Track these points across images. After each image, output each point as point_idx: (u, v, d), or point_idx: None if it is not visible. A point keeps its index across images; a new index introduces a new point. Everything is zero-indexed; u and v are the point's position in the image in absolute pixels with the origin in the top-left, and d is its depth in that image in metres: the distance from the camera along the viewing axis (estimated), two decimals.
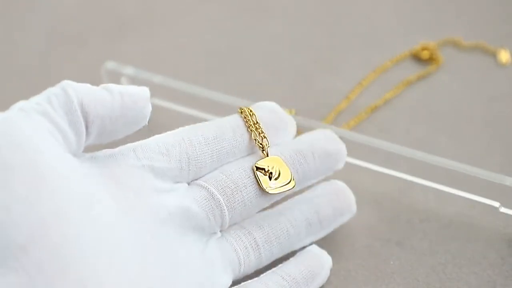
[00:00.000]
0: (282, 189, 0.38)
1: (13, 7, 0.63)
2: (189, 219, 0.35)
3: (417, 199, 0.46)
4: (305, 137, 0.41)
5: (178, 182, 0.36)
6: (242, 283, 0.37)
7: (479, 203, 0.44)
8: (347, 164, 0.44)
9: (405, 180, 0.45)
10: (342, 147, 0.41)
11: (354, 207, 0.41)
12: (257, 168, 0.38)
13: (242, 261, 0.37)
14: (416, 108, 0.53)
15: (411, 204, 0.45)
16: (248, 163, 0.38)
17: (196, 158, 0.36)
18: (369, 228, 0.44)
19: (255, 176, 0.37)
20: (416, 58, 0.56)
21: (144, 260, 0.32)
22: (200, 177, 0.37)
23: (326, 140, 0.40)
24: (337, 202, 0.40)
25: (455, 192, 0.44)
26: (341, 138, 0.42)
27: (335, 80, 0.55)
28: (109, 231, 0.31)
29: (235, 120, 0.39)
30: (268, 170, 0.38)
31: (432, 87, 0.55)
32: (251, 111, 0.39)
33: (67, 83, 0.33)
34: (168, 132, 0.37)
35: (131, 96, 0.34)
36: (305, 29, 0.60)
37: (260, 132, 0.39)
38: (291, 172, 0.38)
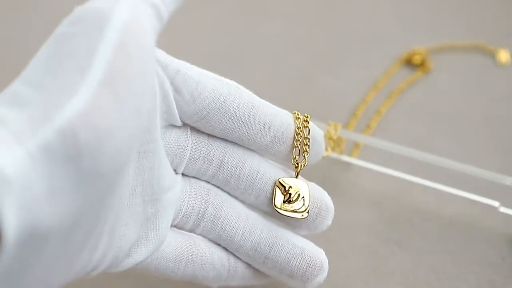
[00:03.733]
0: (290, 214, 0.35)
1: (13, 7, 0.63)
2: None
3: (417, 199, 0.46)
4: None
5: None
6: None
7: (479, 203, 0.44)
8: (348, 164, 0.44)
9: (405, 180, 0.45)
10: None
11: (312, 285, 0.37)
12: (280, 183, 0.35)
13: (181, 214, 0.35)
14: (416, 108, 0.53)
15: (411, 204, 0.45)
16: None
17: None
18: (369, 228, 0.44)
19: (273, 189, 0.35)
20: (408, 63, 0.55)
21: None
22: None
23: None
24: (298, 263, 0.36)
25: (455, 192, 0.45)
26: (341, 138, 0.42)
27: (335, 80, 0.55)
28: None
29: (287, 120, 0.35)
30: (288, 191, 0.35)
31: (432, 87, 0.55)
32: (307, 120, 0.35)
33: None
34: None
35: None
36: (305, 30, 0.61)
37: (305, 149, 0.35)
38: (309, 204, 0.35)
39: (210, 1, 0.64)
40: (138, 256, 0.33)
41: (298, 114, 0.35)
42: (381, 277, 0.41)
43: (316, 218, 0.36)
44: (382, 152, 0.45)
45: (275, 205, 0.35)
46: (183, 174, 0.35)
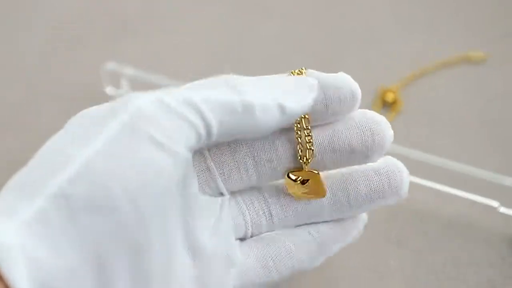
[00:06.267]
0: (308, 197, 0.34)
1: (14, 8, 0.63)
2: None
3: (417, 199, 0.46)
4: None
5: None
6: (265, 234, 0.35)
7: (479, 203, 0.44)
8: None
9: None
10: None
11: (403, 190, 0.34)
12: (289, 178, 0.33)
13: (250, 225, 0.34)
14: (416, 109, 0.53)
15: (411, 204, 0.46)
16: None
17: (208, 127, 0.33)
18: (369, 228, 0.44)
19: (285, 183, 0.34)
20: (383, 100, 0.54)
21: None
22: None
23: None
24: (377, 182, 0.34)
25: (454, 192, 0.45)
26: None
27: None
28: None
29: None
30: (299, 181, 0.33)
31: (431, 88, 0.55)
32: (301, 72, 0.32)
33: (251, 105, 0.29)
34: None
35: (296, 117, 0.31)
36: (305, 29, 0.61)
37: (308, 141, 0.32)
38: (325, 188, 0.34)
39: (210, 1, 0.64)
40: None
41: (294, 72, 0.32)
42: (381, 277, 0.41)
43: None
44: None
45: (292, 192, 0.34)
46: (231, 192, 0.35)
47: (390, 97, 0.53)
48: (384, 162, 0.34)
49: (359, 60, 0.57)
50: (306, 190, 0.34)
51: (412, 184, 0.46)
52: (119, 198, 0.26)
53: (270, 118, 0.29)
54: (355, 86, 0.32)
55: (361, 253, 0.43)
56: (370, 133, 0.33)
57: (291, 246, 0.34)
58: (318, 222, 0.35)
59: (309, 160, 0.33)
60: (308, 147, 0.32)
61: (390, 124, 0.34)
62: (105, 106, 0.29)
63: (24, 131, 0.52)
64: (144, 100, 0.28)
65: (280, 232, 0.35)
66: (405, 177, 0.34)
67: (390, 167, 0.34)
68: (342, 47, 0.58)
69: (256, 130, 0.29)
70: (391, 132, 0.33)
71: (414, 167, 0.45)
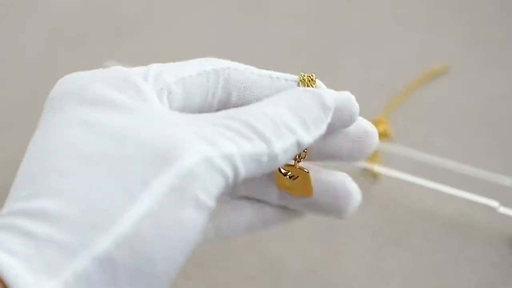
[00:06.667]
0: (294, 193, 0.34)
1: (14, 8, 0.63)
2: None
3: (417, 199, 0.46)
4: None
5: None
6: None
7: (478, 203, 0.44)
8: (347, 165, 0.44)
9: (405, 180, 0.45)
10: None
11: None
12: (279, 171, 0.33)
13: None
14: (415, 109, 0.53)
15: (411, 204, 0.46)
16: None
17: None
18: (369, 228, 0.44)
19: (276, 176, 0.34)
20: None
21: None
22: None
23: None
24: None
25: (454, 192, 0.45)
26: None
27: (334, 80, 0.55)
28: None
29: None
30: (287, 177, 0.33)
31: (431, 88, 0.55)
32: (312, 80, 0.32)
33: (275, 155, 0.29)
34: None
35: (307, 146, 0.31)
36: (305, 29, 0.61)
37: None
38: (312, 187, 0.34)
39: (210, 1, 0.64)
40: None
41: (304, 76, 0.32)
42: (381, 277, 0.41)
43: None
44: (382, 153, 0.45)
45: (280, 185, 0.34)
46: None
47: (381, 128, 0.52)
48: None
49: (360, 61, 0.57)
50: (293, 186, 0.34)
51: (412, 184, 0.46)
52: (162, 269, 0.26)
53: (289, 157, 0.29)
54: (356, 109, 0.32)
55: (361, 253, 0.43)
56: (358, 144, 0.33)
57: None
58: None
59: (301, 159, 0.33)
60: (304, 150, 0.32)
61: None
62: (144, 146, 0.27)
63: (24, 131, 0.52)
64: (194, 160, 0.26)
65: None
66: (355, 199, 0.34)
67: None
68: (344, 48, 0.58)
69: (273, 170, 0.30)
70: (377, 141, 0.33)
71: (414, 167, 0.45)
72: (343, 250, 0.43)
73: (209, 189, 0.27)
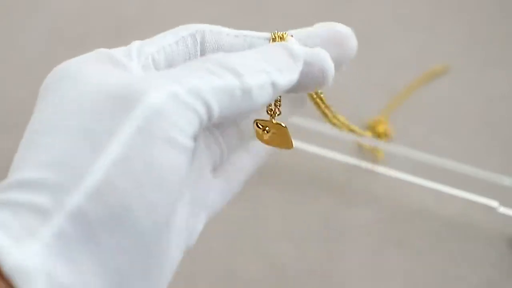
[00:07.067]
0: (274, 145, 0.35)
1: (14, 8, 0.63)
2: None
3: (417, 199, 0.46)
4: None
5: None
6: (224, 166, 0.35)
7: (478, 203, 0.44)
8: (347, 165, 0.44)
9: (405, 181, 0.45)
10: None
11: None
12: (257, 126, 0.34)
13: (225, 152, 0.35)
14: (415, 109, 0.53)
15: (411, 204, 0.46)
16: None
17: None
18: (369, 228, 0.44)
19: (253, 129, 0.34)
20: (373, 132, 0.53)
21: None
22: None
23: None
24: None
25: (454, 192, 0.45)
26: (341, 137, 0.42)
27: (334, 80, 0.55)
28: None
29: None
30: (266, 130, 0.34)
31: (431, 88, 0.55)
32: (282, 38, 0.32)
33: (249, 87, 0.29)
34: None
35: (283, 91, 0.31)
36: None
37: (278, 99, 0.33)
38: (292, 145, 0.34)
39: (210, 1, 0.64)
40: None
41: (275, 34, 0.32)
42: (381, 277, 0.41)
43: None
44: (382, 153, 0.45)
45: (259, 139, 0.35)
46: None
47: (381, 128, 0.52)
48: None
49: (360, 61, 0.57)
50: (272, 140, 0.34)
51: (412, 184, 0.46)
52: (138, 213, 0.26)
53: (264, 96, 0.29)
54: (328, 65, 0.32)
55: (361, 253, 0.43)
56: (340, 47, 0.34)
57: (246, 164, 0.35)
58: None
59: (276, 115, 0.33)
60: (277, 105, 0.33)
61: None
62: (110, 99, 0.27)
63: (24, 131, 0.52)
64: (158, 97, 0.26)
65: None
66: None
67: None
68: None
69: (251, 109, 0.30)
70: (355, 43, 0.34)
71: (414, 167, 0.45)
72: (343, 250, 0.43)
73: (181, 127, 0.27)
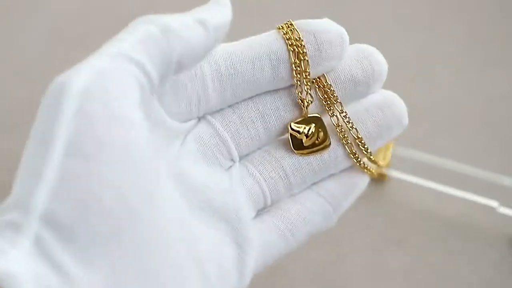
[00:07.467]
0: (315, 152, 0.33)
1: (14, 8, 0.63)
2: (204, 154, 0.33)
3: (418, 199, 0.46)
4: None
5: (186, 121, 0.33)
6: (276, 204, 0.34)
7: (478, 203, 0.44)
8: None
9: (405, 180, 0.45)
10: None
11: (405, 119, 0.34)
12: (292, 129, 0.33)
13: (268, 193, 0.33)
14: (416, 109, 0.53)
15: (412, 204, 0.46)
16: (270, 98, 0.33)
17: (207, 99, 0.32)
18: (369, 228, 0.44)
19: (288, 135, 0.33)
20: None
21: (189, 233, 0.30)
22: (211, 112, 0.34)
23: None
24: (382, 116, 0.34)
25: (454, 192, 0.45)
26: None
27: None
28: (174, 208, 0.29)
29: (273, 53, 0.32)
30: (303, 133, 0.33)
31: (431, 88, 0.55)
32: (301, 46, 0.32)
33: (167, 25, 0.29)
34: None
35: (219, 32, 0.31)
36: None
37: (307, 83, 0.32)
38: (329, 136, 0.33)
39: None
40: None
41: (282, 26, 0.32)
42: (381, 277, 0.41)
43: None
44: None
45: (297, 151, 0.33)
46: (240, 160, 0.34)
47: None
48: (381, 96, 0.34)
49: None
50: (311, 142, 0.33)
51: (412, 184, 0.46)
52: (107, 202, 0.25)
53: (195, 35, 0.29)
54: (341, 29, 0.33)
55: (361, 253, 0.43)
56: (368, 62, 0.33)
57: (305, 212, 0.34)
58: (326, 180, 0.34)
59: (309, 102, 0.33)
60: (306, 90, 0.32)
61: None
62: (44, 99, 0.27)
63: (24, 132, 0.52)
64: (82, 79, 0.26)
65: (292, 199, 0.34)
66: (403, 105, 0.34)
67: (389, 99, 0.34)
68: None
69: (191, 52, 0.29)
70: (384, 60, 0.34)
71: (414, 167, 0.45)
72: (344, 251, 0.43)
73: (118, 98, 0.26)
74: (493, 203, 0.44)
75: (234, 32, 0.64)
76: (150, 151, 0.28)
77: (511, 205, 0.44)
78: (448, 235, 0.44)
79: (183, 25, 0.29)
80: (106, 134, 0.26)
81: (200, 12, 0.30)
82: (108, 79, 0.27)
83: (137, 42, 0.28)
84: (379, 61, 0.34)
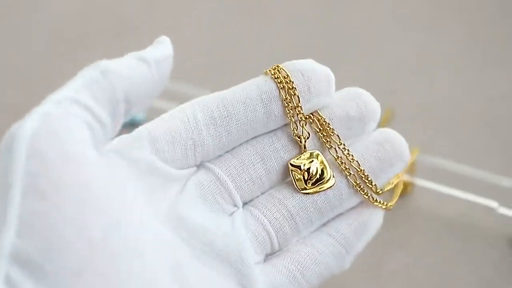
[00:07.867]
0: (319, 189, 0.33)
1: (14, 8, 0.63)
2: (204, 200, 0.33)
3: (417, 199, 0.46)
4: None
5: (184, 169, 0.33)
6: (285, 248, 0.34)
7: (478, 203, 0.44)
8: None
9: (405, 181, 0.45)
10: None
11: (406, 154, 0.35)
12: (292, 166, 0.33)
13: (274, 235, 0.33)
14: (416, 109, 0.53)
15: (411, 204, 0.46)
16: (265, 141, 0.34)
17: (202, 144, 0.32)
18: None
19: (289, 173, 0.33)
20: None
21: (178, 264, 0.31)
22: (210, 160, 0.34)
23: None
24: (383, 152, 0.34)
25: (454, 192, 0.45)
26: None
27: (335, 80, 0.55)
28: (152, 245, 0.29)
29: (264, 93, 0.33)
30: (304, 169, 0.33)
31: (431, 88, 0.55)
32: (290, 82, 0.33)
33: (106, 67, 0.30)
34: (177, 109, 0.33)
35: (162, 66, 0.32)
36: (305, 29, 0.61)
37: (301, 118, 0.33)
38: (331, 171, 0.33)
39: (210, 1, 0.64)
40: None
41: (270, 70, 0.34)
42: (381, 277, 0.41)
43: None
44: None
45: (301, 189, 0.33)
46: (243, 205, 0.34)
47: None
48: (380, 133, 0.35)
49: (360, 61, 0.57)
50: (314, 179, 0.33)
51: (412, 184, 0.46)
52: (71, 237, 0.26)
53: (137, 72, 0.30)
54: (326, 67, 0.35)
55: (362, 253, 0.43)
56: (361, 100, 0.34)
57: (316, 254, 0.33)
58: (335, 220, 0.34)
59: (306, 137, 0.33)
60: (302, 126, 0.33)
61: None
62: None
63: None
64: (31, 124, 0.27)
65: (301, 241, 0.34)
66: (404, 141, 0.35)
67: (389, 136, 0.35)
68: (342, 48, 0.58)
69: (136, 88, 0.30)
70: (377, 102, 0.35)
71: (415, 168, 0.45)
72: None
73: (66, 139, 0.27)
74: (493, 204, 0.44)
75: (234, 32, 0.64)
76: (113, 187, 0.28)
77: (510, 205, 0.44)
78: (448, 235, 0.44)
79: (122, 64, 0.31)
80: (59, 171, 0.27)
81: (141, 51, 0.32)
82: (54, 120, 0.28)
83: (80, 86, 0.29)
84: (371, 100, 0.34)
